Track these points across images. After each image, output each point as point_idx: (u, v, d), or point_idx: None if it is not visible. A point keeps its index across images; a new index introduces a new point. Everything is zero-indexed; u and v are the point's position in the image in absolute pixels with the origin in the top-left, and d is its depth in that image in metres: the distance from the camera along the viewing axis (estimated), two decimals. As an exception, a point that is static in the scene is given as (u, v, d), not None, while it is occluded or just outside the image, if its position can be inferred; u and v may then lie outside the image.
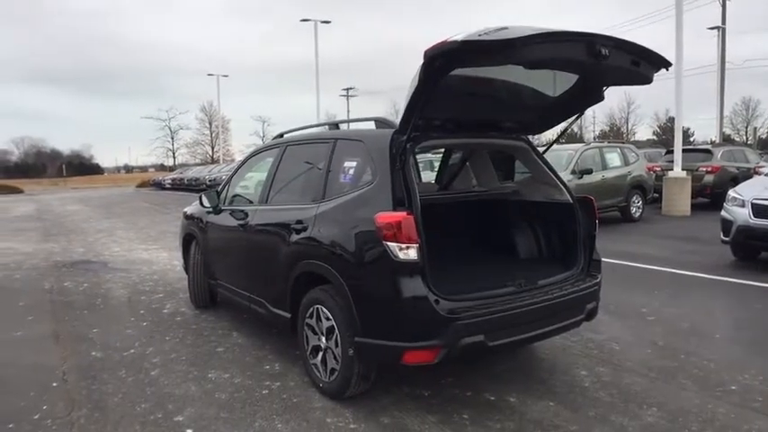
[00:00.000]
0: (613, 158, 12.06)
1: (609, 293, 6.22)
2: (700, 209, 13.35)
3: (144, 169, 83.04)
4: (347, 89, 64.48)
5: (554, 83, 3.72)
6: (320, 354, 3.69)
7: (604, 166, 11.74)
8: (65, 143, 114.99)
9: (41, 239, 11.61)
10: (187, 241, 6.02)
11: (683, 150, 13.84)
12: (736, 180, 12.45)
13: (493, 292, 3.38)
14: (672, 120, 55.74)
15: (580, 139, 40.95)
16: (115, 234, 12.43)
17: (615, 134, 53.98)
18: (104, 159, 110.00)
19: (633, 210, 12.04)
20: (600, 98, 3.78)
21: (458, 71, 3.03)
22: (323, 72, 32.42)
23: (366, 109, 76.85)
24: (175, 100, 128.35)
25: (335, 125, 4.35)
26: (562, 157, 11.59)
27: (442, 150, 5.15)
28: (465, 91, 3.50)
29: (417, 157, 8.25)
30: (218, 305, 5.88)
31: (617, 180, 11.78)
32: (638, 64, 3.20)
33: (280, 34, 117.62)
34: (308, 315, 3.77)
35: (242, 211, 4.81)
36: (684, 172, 13.23)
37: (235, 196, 5.26)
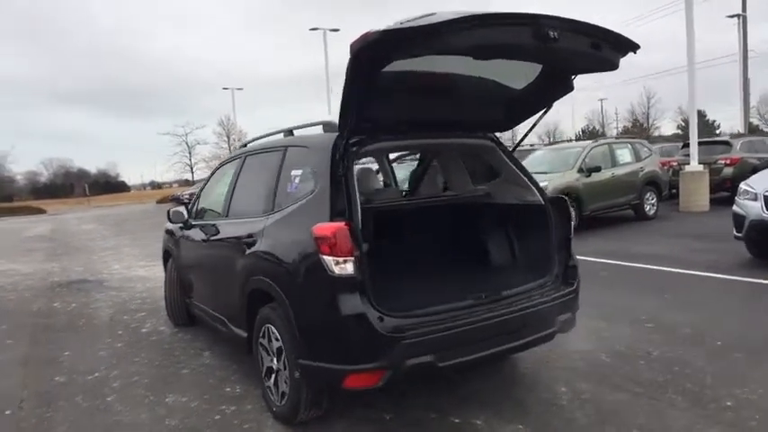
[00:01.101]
0: (624, 155, 11.57)
1: (608, 298, 5.89)
2: (720, 203, 12.70)
3: (170, 185, 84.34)
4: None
5: (517, 74, 3.43)
6: (273, 376, 3.46)
7: (614, 163, 11.27)
8: (92, 162, 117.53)
9: (45, 259, 11.67)
10: (165, 258, 5.89)
11: (701, 143, 13.25)
12: (756, 172, 11.83)
13: (448, 306, 3.09)
14: (696, 112, 53.80)
15: (602, 136, 40.05)
16: (120, 251, 12.44)
17: (639, 130, 52.68)
18: (131, 177, 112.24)
19: (647, 207, 11.53)
20: (569, 88, 3.47)
21: (403, 67, 2.80)
22: (335, 80, 32.36)
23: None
24: (200, 115, 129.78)
25: (290, 131, 4.12)
26: (569, 155, 11.20)
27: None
28: (416, 88, 3.24)
29: (405, 161, 7.98)
30: (198, 323, 5.69)
31: (628, 177, 11.29)
32: (599, 47, 2.90)
33: (293, 45, 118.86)
34: (260, 335, 3.54)
35: (206, 225, 4.64)
36: (702, 166, 12.64)
37: (203, 210, 5.09)
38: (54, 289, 8.23)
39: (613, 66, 3.10)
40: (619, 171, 11.19)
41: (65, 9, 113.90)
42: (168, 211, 5.21)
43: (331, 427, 3.32)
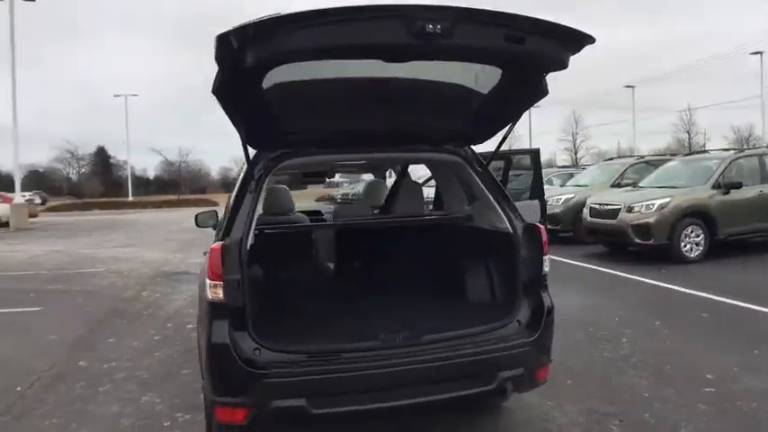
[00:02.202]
0: (780, 169, 9.49)
1: (683, 347, 4.80)
2: None
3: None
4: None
5: (481, 78, 2.89)
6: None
7: (765, 179, 9.28)
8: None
9: (175, 249, 12.97)
10: None
11: None
12: None
13: (345, 345, 2.70)
14: None
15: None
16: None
17: None
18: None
19: (812, 235, 9.30)
20: (541, 92, 2.82)
21: (303, 74, 2.53)
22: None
23: (547, 119, 73.20)
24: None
25: None
26: (705, 168, 9.51)
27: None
28: (345, 97, 2.91)
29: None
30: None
31: (785, 196, 9.21)
32: (522, 41, 2.30)
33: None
34: None
35: None
36: None
37: None
38: (156, 278, 9.12)
39: (559, 63, 2.45)
40: (771, 189, 9.20)
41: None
42: (196, 216, 5.40)
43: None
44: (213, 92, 2.42)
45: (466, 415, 3.55)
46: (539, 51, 2.35)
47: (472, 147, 3.34)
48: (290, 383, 2.53)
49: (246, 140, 2.85)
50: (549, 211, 12.03)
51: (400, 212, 3.83)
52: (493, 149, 3.51)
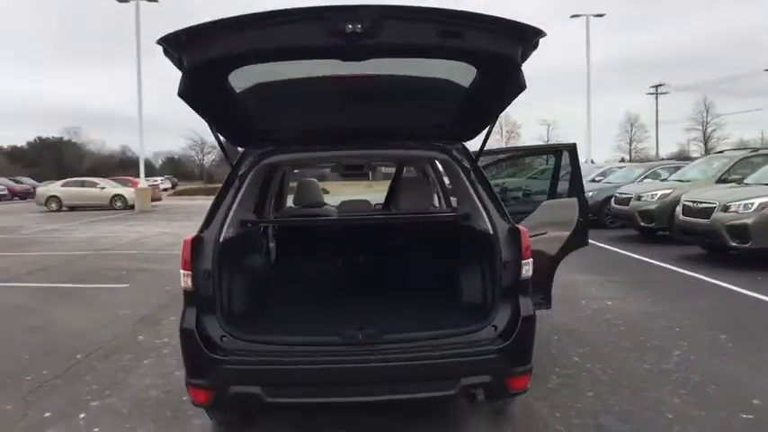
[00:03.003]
0: None
1: (739, 365, 4.36)
2: None
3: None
4: (656, 86, 58.65)
5: (458, 72, 2.79)
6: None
7: None
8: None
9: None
10: None
11: None
12: None
13: (307, 338, 2.78)
14: None
15: None
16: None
17: None
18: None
19: None
20: (519, 86, 2.64)
21: (270, 74, 2.63)
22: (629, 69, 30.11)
23: (676, 107, 67.55)
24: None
25: None
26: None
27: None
28: (333, 94, 2.95)
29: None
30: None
31: None
32: (459, 35, 2.19)
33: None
34: None
35: None
36: None
37: None
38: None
39: (506, 58, 2.29)
40: None
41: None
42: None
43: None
44: (178, 95, 2.57)
45: (462, 416, 3.48)
46: (479, 46, 2.23)
47: (463, 144, 3.24)
48: (247, 371, 2.68)
49: (227, 138, 3.00)
50: (642, 208, 11.22)
51: (399, 209, 3.80)
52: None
